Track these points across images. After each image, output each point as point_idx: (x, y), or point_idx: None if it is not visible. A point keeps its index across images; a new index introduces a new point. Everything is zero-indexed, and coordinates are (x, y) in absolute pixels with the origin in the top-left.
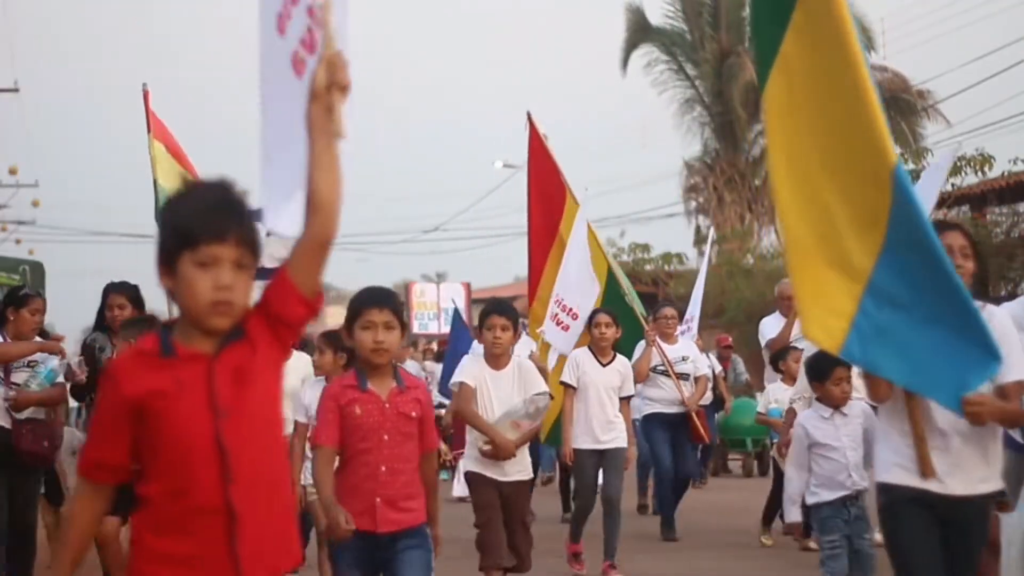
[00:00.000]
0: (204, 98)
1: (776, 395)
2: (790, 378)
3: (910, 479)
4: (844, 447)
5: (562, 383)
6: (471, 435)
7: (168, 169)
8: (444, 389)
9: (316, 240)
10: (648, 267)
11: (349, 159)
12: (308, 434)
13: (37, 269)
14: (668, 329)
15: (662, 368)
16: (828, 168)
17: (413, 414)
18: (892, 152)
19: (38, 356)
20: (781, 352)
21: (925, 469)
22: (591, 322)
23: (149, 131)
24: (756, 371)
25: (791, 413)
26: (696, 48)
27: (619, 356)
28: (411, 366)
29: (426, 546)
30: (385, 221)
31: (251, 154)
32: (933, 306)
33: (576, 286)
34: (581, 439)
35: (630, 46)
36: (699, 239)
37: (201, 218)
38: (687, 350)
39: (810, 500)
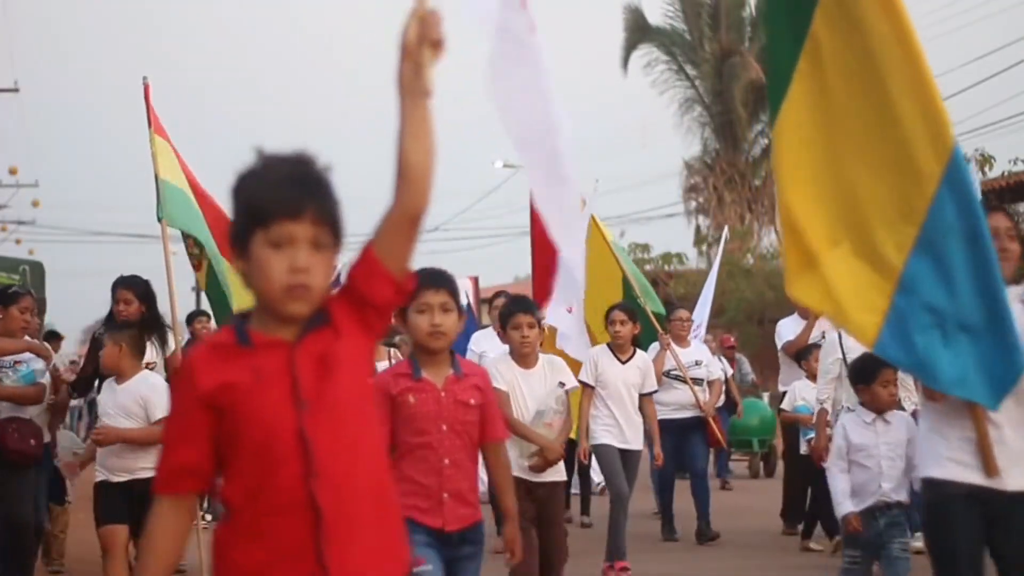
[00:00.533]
0: (204, 98)
1: (803, 393)
2: (812, 376)
3: (964, 474)
4: (880, 456)
5: (580, 382)
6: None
7: (171, 164)
8: None
9: (406, 213)
10: (648, 267)
11: (348, 159)
12: None
13: (37, 269)
14: (682, 332)
15: (675, 372)
16: (861, 156)
17: (472, 402)
18: (949, 136)
19: (25, 356)
20: (804, 351)
21: (989, 466)
22: (607, 319)
23: (150, 126)
24: (758, 370)
25: (822, 414)
26: (696, 48)
27: (639, 352)
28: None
29: (482, 552)
30: None
31: (252, 156)
32: (969, 303)
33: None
34: (605, 436)
35: (629, 46)
36: (699, 239)
37: (273, 193)
38: (700, 354)
39: (838, 510)
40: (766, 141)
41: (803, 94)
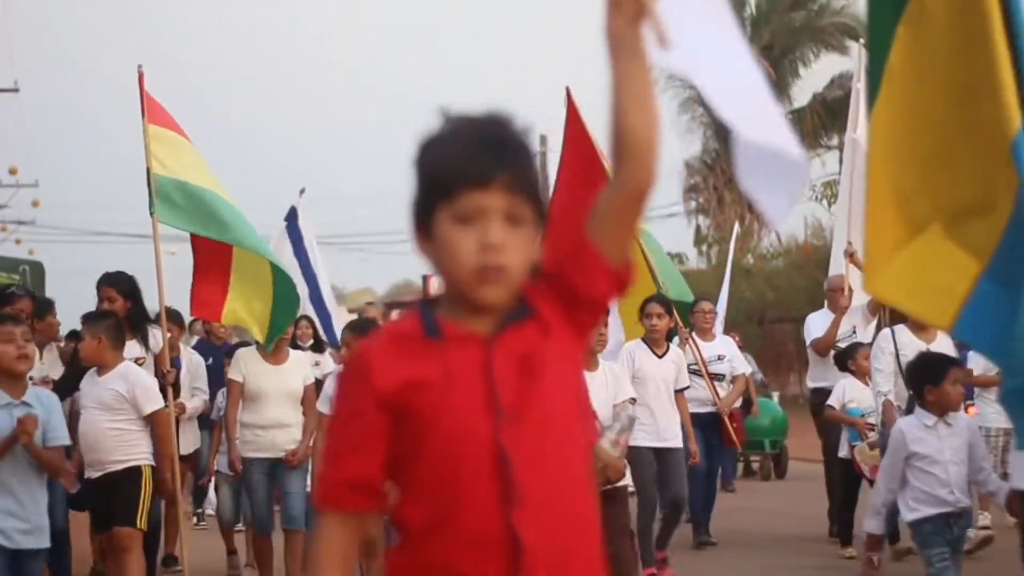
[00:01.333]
0: (204, 98)
1: (852, 393)
2: (862, 376)
3: None
4: (946, 461)
5: None
6: None
7: (176, 156)
8: None
9: (629, 192)
10: None
11: (348, 159)
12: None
13: (37, 269)
14: (705, 324)
15: (694, 367)
16: (962, 135)
17: None
18: (1015, 119)
19: None
20: (849, 350)
21: None
22: (642, 312)
23: (143, 116)
24: (761, 370)
25: (888, 405)
26: None
27: (672, 347)
28: None
29: None
30: (386, 221)
31: (252, 156)
32: None
33: None
34: (641, 437)
35: None
36: (699, 239)
37: (458, 159)
38: (724, 348)
39: (910, 517)
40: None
41: (902, 71)
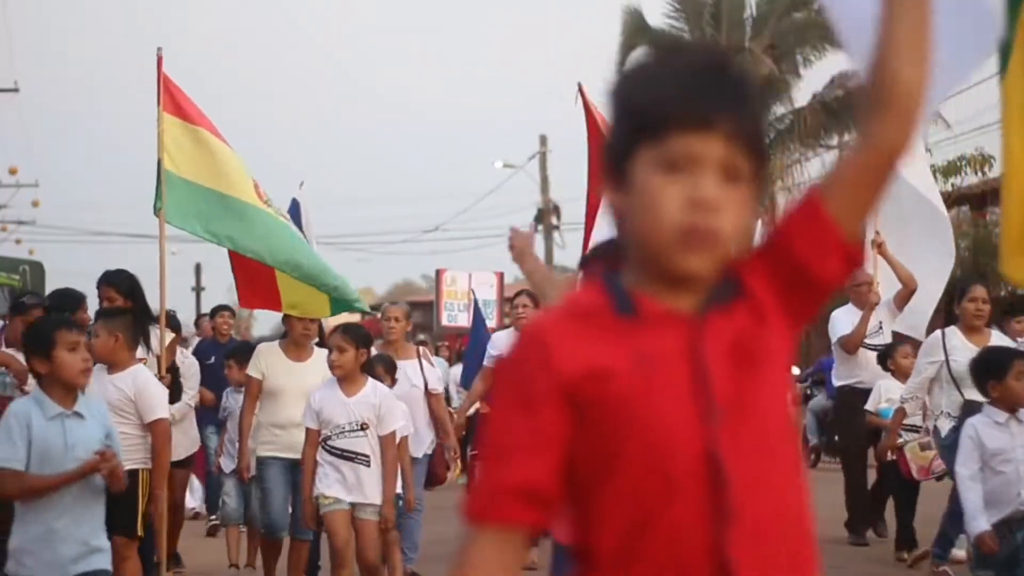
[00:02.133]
0: (204, 99)
1: (889, 393)
2: (902, 375)
3: None
4: (1018, 460)
5: None
6: None
7: (187, 149)
8: (468, 383)
9: (884, 151)
10: None
11: (348, 160)
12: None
13: (37, 269)
14: None
15: None
16: None
17: None
18: None
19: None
20: (889, 348)
21: None
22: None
23: (158, 103)
24: None
25: (900, 413)
26: None
27: None
28: (436, 371)
29: None
30: (385, 221)
31: (252, 156)
32: None
33: None
34: None
35: (627, 48)
36: None
37: (671, 93)
38: None
39: (972, 526)
40: (766, 141)
41: None
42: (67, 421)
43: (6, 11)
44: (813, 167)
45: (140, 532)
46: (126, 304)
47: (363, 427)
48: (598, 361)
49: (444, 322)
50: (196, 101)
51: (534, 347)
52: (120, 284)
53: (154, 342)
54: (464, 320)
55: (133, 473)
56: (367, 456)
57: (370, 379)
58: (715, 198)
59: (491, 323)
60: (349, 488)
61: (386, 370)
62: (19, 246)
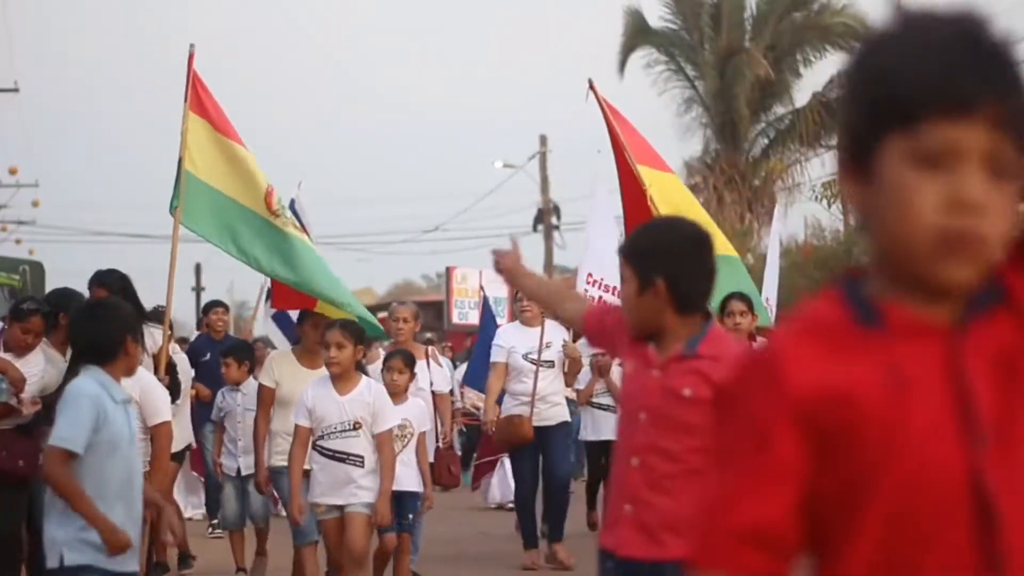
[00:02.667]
0: None
1: None
2: None
3: None
4: None
5: None
6: None
7: (209, 153)
8: (475, 383)
9: None
10: None
11: (348, 160)
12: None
13: (37, 269)
14: (739, 327)
15: None
16: None
17: (686, 392)
18: None
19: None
20: None
21: None
22: (723, 310)
23: (186, 99)
24: None
25: None
26: (696, 49)
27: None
28: (443, 371)
29: None
30: (385, 221)
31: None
32: None
33: (610, 258)
34: None
35: (628, 49)
36: None
37: (927, 70)
38: None
39: None
40: (766, 141)
41: None
42: (129, 408)
43: (6, 11)
44: (813, 167)
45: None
46: None
47: (356, 426)
48: (841, 382)
49: (455, 320)
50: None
51: (763, 369)
52: (112, 285)
53: (148, 341)
54: (475, 318)
55: None
56: (360, 457)
57: (364, 377)
58: (980, 198)
59: (502, 320)
60: (340, 490)
61: (406, 364)
62: (19, 246)
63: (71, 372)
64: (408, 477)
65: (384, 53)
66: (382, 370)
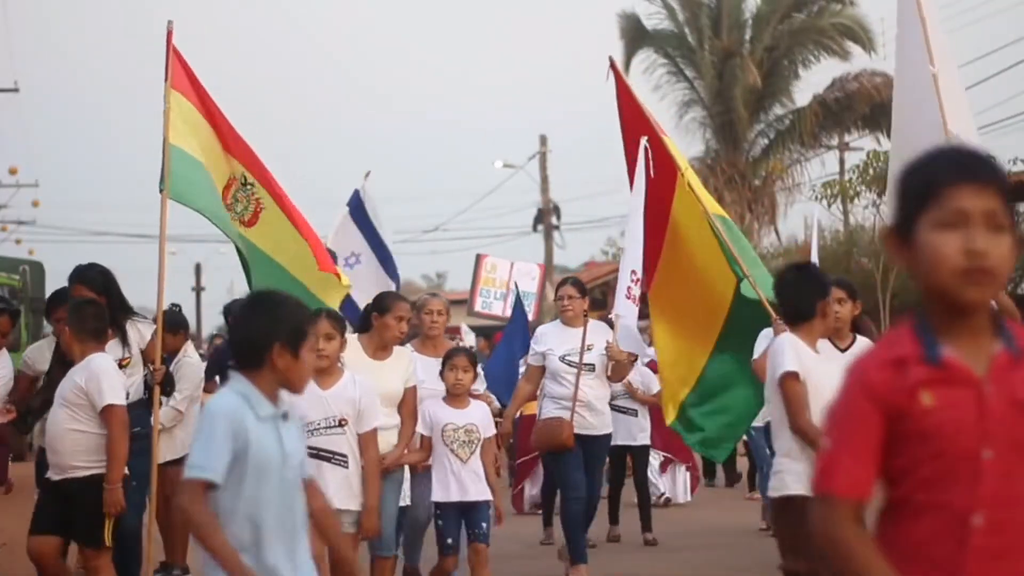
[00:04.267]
0: None
1: None
2: None
3: None
4: None
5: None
6: (792, 444)
7: (190, 128)
8: (495, 387)
9: None
10: None
11: (348, 160)
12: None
13: (37, 269)
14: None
15: None
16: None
17: None
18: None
19: None
20: None
21: None
22: None
23: (167, 79)
24: None
25: None
26: (695, 50)
27: (859, 338)
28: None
29: None
30: (385, 221)
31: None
32: None
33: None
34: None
35: (628, 53)
36: None
37: (948, 159)
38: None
39: None
40: (766, 141)
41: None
42: (283, 424)
43: (6, 11)
44: (813, 167)
45: (108, 542)
46: (101, 300)
47: (342, 423)
48: (909, 406)
49: (477, 308)
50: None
51: (857, 383)
52: (93, 281)
53: (135, 335)
54: (499, 309)
55: (99, 478)
56: (344, 456)
57: (347, 371)
58: (985, 248)
59: (529, 315)
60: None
61: (471, 363)
62: (19, 246)
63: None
64: (478, 487)
65: (384, 53)
66: (442, 369)
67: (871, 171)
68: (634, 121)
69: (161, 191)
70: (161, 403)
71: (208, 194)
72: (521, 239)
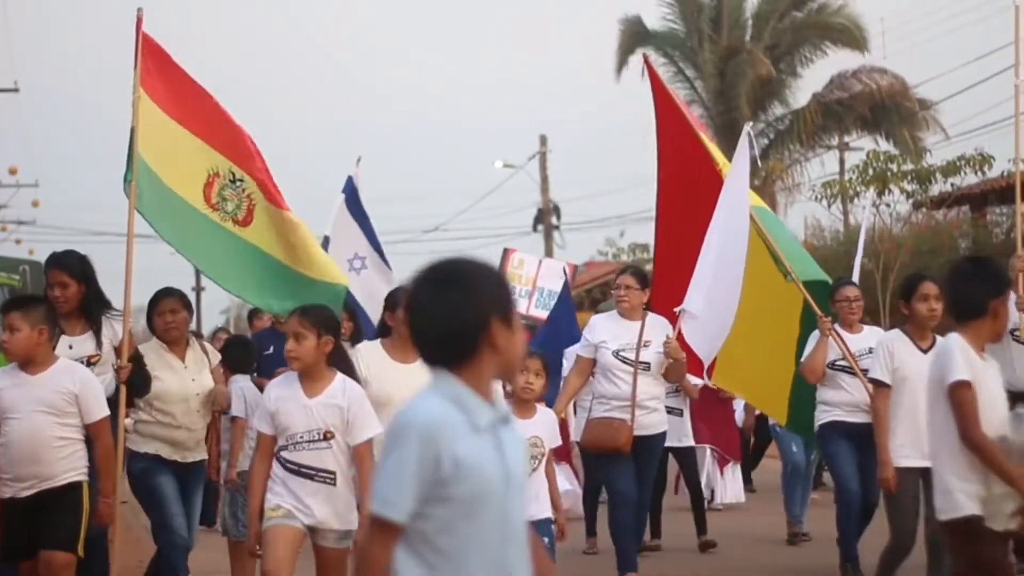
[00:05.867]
0: None
1: None
2: None
3: None
4: None
5: (874, 381)
6: (960, 461)
7: (156, 137)
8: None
9: None
10: (648, 267)
11: (347, 160)
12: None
13: (37, 269)
14: (851, 314)
15: (842, 363)
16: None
17: None
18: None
19: None
20: None
21: None
22: (914, 292)
23: (135, 66)
24: None
25: None
26: (696, 50)
27: (938, 339)
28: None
29: None
30: (385, 221)
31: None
32: None
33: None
34: (904, 453)
35: (626, 52)
36: None
37: None
38: (874, 339)
39: None
40: (766, 141)
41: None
42: (506, 431)
43: (6, 11)
44: (813, 167)
45: (80, 552)
46: (80, 289)
47: (327, 436)
48: None
49: None
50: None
51: None
52: (71, 267)
53: (109, 332)
54: (522, 307)
55: (76, 486)
56: (332, 473)
57: (339, 375)
58: None
59: (545, 313)
60: (304, 510)
61: (544, 366)
62: (19, 246)
63: None
64: (539, 505)
65: (384, 53)
66: None
67: (871, 171)
68: (670, 119)
69: (127, 184)
70: (134, 404)
71: (164, 207)
72: (521, 239)
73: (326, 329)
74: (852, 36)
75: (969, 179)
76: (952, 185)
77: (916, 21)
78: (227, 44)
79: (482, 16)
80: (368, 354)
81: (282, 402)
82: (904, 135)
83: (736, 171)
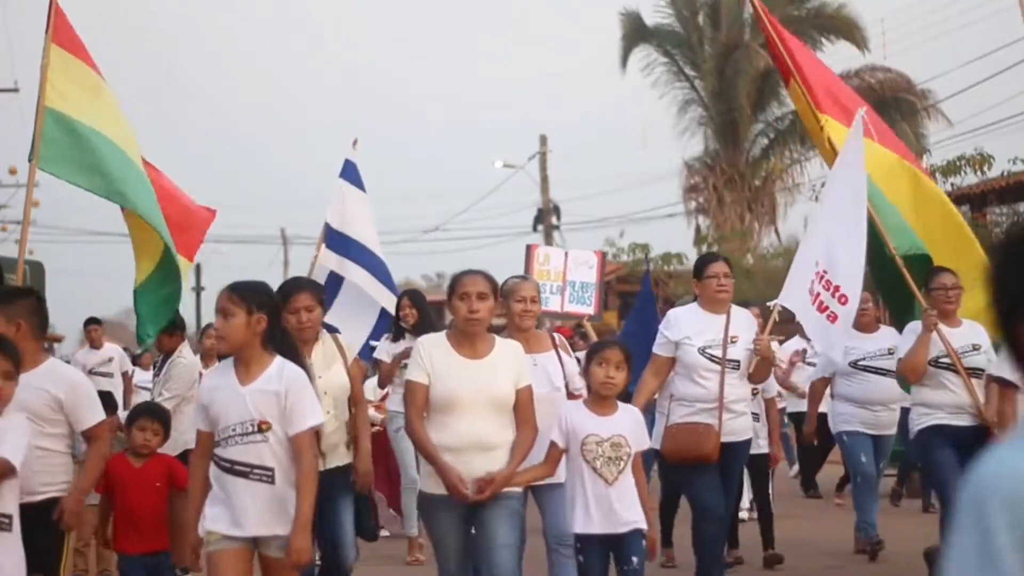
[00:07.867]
0: (204, 98)
1: None
2: None
3: None
4: None
5: (1000, 380)
6: None
7: (75, 85)
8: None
9: None
10: (648, 267)
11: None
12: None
13: (37, 269)
14: (949, 305)
15: (945, 361)
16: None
17: None
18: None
19: None
20: None
21: None
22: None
23: (47, 32)
24: None
25: None
26: (695, 49)
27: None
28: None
29: None
30: (385, 221)
31: (251, 156)
32: None
33: (845, 255)
34: None
35: (626, 50)
36: (699, 239)
37: None
38: (978, 336)
39: None
40: (766, 141)
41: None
42: None
43: (6, 11)
44: (813, 167)
45: (63, 573)
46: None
47: (262, 427)
48: None
49: None
50: (185, 104)
51: None
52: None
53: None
54: (555, 304)
55: (55, 503)
56: (269, 470)
57: (277, 358)
58: None
59: (590, 309)
60: (239, 518)
61: (625, 359)
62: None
63: None
64: (627, 514)
65: (384, 52)
66: (589, 364)
67: None
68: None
69: (30, 161)
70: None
71: (86, 159)
72: (521, 239)
73: (258, 306)
74: (851, 33)
75: (969, 179)
76: (952, 185)
77: (916, 21)
78: (226, 43)
79: (482, 15)
80: (432, 346)
81: (216, 391)
82: (906, 130)
83: (850, 149)
